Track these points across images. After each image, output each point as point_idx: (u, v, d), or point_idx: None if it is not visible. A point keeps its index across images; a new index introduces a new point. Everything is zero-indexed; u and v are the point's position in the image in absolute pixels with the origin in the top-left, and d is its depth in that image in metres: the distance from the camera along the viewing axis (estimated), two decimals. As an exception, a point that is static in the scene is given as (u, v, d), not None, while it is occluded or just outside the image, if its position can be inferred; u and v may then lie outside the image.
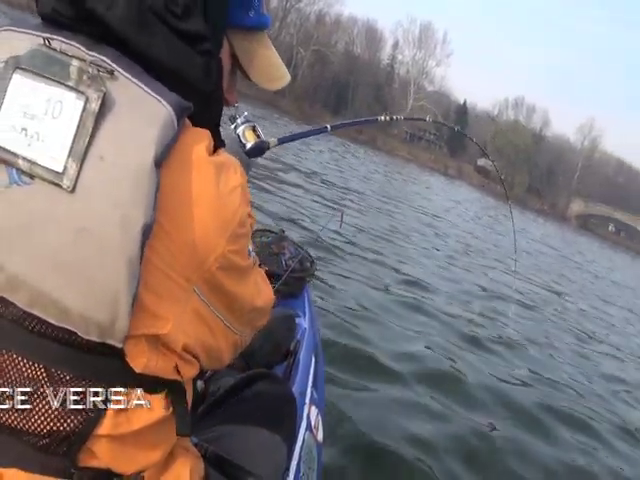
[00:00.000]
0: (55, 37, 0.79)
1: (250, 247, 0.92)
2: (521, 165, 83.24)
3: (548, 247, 23.68)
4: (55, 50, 0.77)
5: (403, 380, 4.14)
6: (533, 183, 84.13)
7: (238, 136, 1.43)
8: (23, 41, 0.80)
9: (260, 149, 1.45)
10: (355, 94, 73.81)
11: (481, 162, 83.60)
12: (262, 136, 1.46)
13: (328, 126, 1.84)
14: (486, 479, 3.33)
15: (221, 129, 1.02)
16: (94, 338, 0.78)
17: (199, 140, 0.83)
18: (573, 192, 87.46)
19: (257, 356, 2.12)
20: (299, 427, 1.84)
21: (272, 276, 2.59)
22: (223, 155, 0.87)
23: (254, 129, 1.45)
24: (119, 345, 0.78)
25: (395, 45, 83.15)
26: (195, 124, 0.85)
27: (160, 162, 0.76)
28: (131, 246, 0.75)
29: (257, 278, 0.99)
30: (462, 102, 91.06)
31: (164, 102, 0.78)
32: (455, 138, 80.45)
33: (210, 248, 0.82)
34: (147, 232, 0.75)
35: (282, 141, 1.66)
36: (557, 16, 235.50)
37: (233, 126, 1.44)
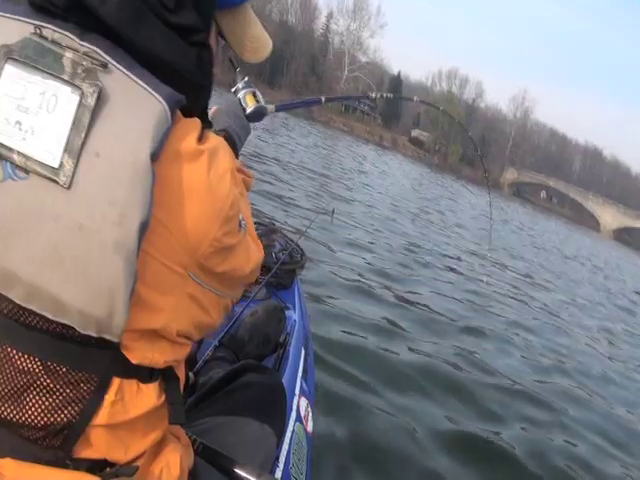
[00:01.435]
0: (46, 25, 0.78)
1: (241, 216, 0.91)
2: (455, 136, 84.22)
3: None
4: (47, 39, 0.76)
5: (394, 371, 4.16)
6: (467, 153, 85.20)
7: (239, 100, 1.49)
8: (12, 28, 0.78)
9: (260, 114, 1.51)
10: (290, 64, 73.06)
11: (415, 133, 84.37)
12: (262, 101, 1.52)
13: (322, 98, 1.96)
14: (476, 471, 3.29)
15: (221, 93, 1.10)
16: (92, 333, 0.78)
17: (190, 131, 0.82)
18: (506, 161, 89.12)
19: (247, 348, 2.17)
20: (289, 418, 1.85)
21: (262, 268, 3.00)
22: (211, 140, 0.86)
23: (254, 94, 1.51)
24: (116, 340, 0.79)
25: (329, 15, 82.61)
26: (184, 111, 0.84)
27: (155, 157, 0.76)
28: (128, 243, 0.75)
29: (247, 244, 0.96)
30: (396, 73, 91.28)
31: (158, 96, 0.77)
32: (389, 109, 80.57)
33: (204, 234, 0.82)
34: (144, 229, 0.75)
35: (279, 108, 1.71)
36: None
37: (233, 90, 1.51)
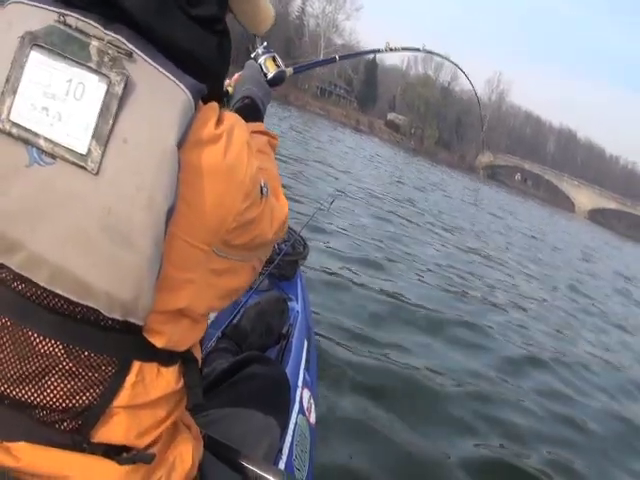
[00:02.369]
0: (69, 13, 0.78)
1: (262, 182, 0.92)
2: (431, 119, 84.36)
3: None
4: (71, 27, 0.77)
5: (396, 361, 4.12)
6: (443, 136, 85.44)
7: (260, 66, 1.51)
8: (36, 15, 0.79)
9: (280, 78, 1.53)
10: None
11: (391, 116, 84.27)
12: (282, 65, 1.54)
13: (337, 56, 2.04)
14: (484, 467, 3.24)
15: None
16: (117, 316, 0.80)
17: (209, 117, 0.84)
18: (481, 144, 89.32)
19: (249, 339, 2.17)
20: (292, 410, 1.85)
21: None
22: (227, 119, 0.87)
23: (274, 59, 1.53)
24: (141, 323, 0.81)
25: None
26: (203, 95, 0.85)
27: (181, 145, 0.78)
28: (156, 226, 0.76)
29: (270, 207, 0.97)
30: (372, 57, 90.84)
31: (183, 86, 0.79)
32: (365, 93, 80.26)
33: (228, 211, 0.84)
34: (171, 212, 0.77)
35: (297, 70, 1.76)
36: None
37: (253, 55, 1.52)
